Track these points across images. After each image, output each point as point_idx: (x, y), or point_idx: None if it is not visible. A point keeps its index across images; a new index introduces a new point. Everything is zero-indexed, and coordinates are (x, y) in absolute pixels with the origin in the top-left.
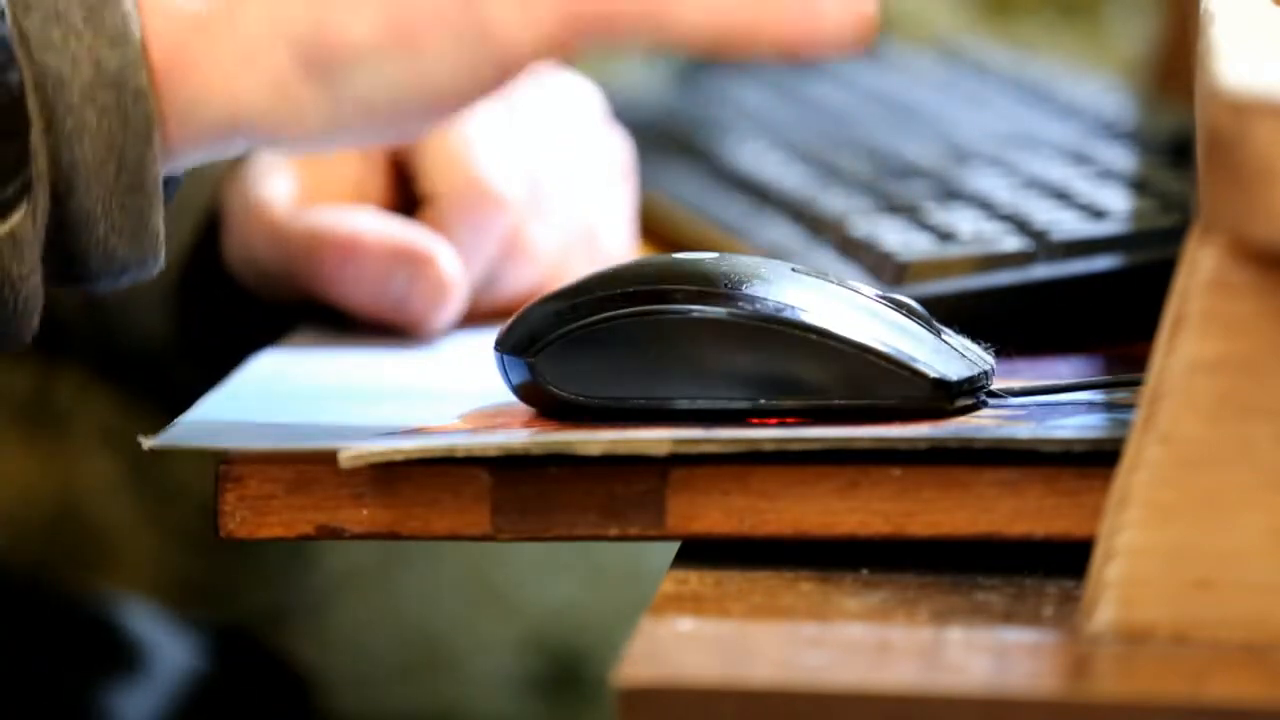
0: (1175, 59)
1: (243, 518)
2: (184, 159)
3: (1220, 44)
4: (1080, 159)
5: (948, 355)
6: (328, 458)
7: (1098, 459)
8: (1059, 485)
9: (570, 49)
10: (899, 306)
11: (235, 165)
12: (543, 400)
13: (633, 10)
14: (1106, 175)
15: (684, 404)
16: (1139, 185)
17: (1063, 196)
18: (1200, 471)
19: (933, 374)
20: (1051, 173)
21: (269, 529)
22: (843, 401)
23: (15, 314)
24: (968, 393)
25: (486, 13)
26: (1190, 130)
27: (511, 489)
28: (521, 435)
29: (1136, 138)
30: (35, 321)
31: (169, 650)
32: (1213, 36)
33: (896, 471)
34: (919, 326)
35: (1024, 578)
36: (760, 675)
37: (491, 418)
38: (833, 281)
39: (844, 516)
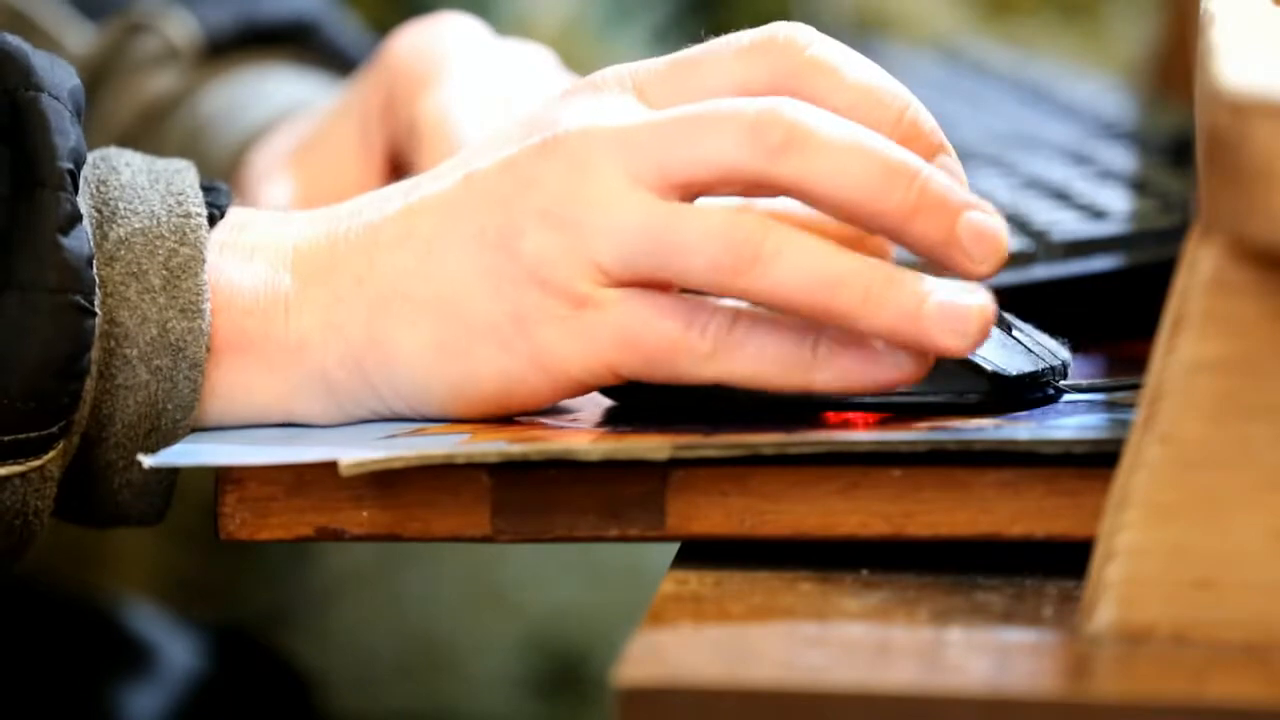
0: (1175, 59)
1: (243, 520)
2: (216, 425)
3: (1220, 44)
4: (1080, 159)
5: (1012, 350)
6: (328, 465)
7: (1098, 459)
8: (1059, 486)
9: (622, 375)
10: None
11: (236, 168)
12: (619, 392)
13: (684, 354)
14: (1106, 175)
15: (745, 400)
16: (1139, 185)
17: (1063, 196)
18: (1200, 471)
19: (989, 368)
20: (1051, 173)
21: (269, 531)
22: (902, 398)
23: (19, 545)
24: (1031, 387)
25: (540, 338)
26: (1190, 130)
27: (511, 490)
28: (522, 440)
29: (1136, 138)
30: (29, 552)
31: (170, 650)
32: (1213, 36)
33: (896, 472)
34: None
35: (1024, 578)
36: (760, 675)
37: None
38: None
39: (844, 517)
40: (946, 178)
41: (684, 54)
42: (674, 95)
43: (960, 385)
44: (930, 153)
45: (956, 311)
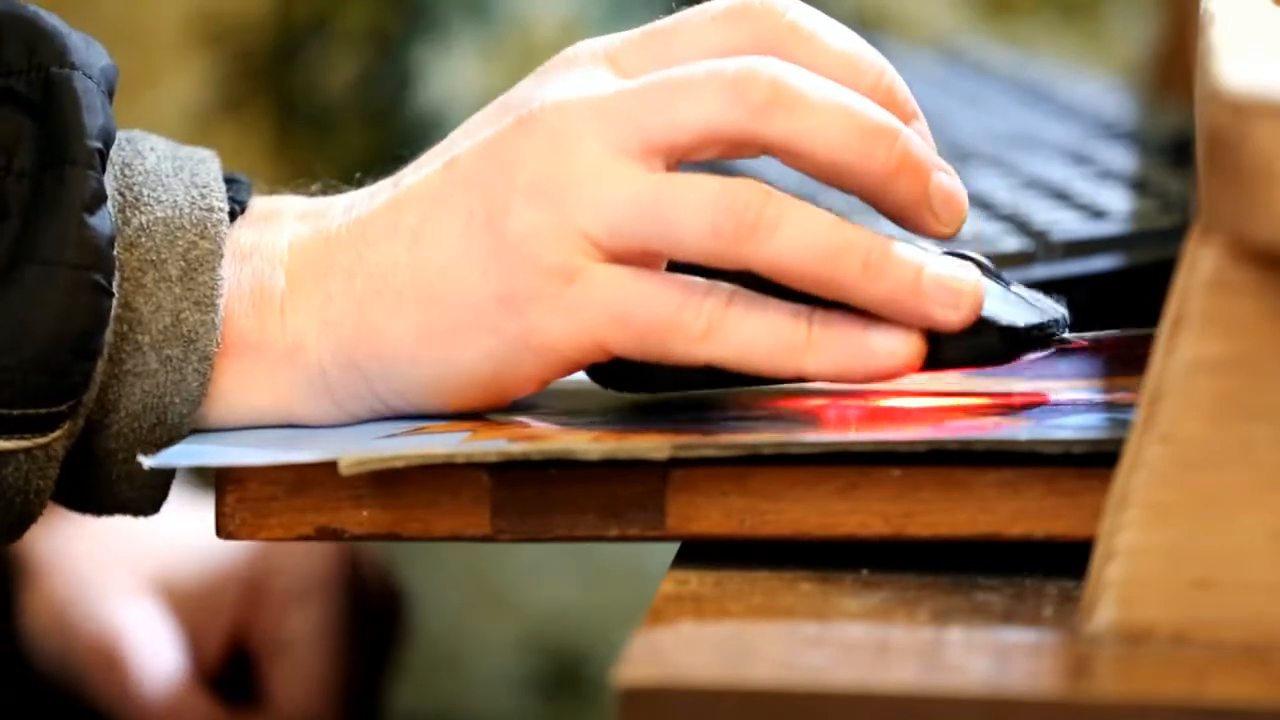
0: (1175, 59)
1: (243, 519)
2: (217, 427)
3: (1220, 44)
4: (1080, 159)
5: (1015, 304)
6: (328, 465)
7: (1098, 459)
8: (1059, 486)
9: (611, 352)
10: (965, 260)
11: None
12: (611, 377)
13: (677, 333)
14: (1106, 175)
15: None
16: (1139, 185)
17: (1063, 196)
18: (1200, 471)
19: (1001, 322)
20: (1051, 173)
21: (269, 531)
22: None
23: (18, 523)
24: (1039, 340)
25: (529, 317)
26: (1190, 130)
27: (511, 490)
28: (522, 439)
29: (1136, 138)
30: (24, 533)
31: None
32: (1213, 36)
33: (896, 472)
34: (986, 278)
35: (1024, 578)
36: (760, 675)
37: (494, 417)
38: (896, 238)
39: (844, 517)
40: (921, 141)
41: (658, 24)
42: (649, 64)
43: (970, 339)
44: (905, 119)
45: (952, 285)
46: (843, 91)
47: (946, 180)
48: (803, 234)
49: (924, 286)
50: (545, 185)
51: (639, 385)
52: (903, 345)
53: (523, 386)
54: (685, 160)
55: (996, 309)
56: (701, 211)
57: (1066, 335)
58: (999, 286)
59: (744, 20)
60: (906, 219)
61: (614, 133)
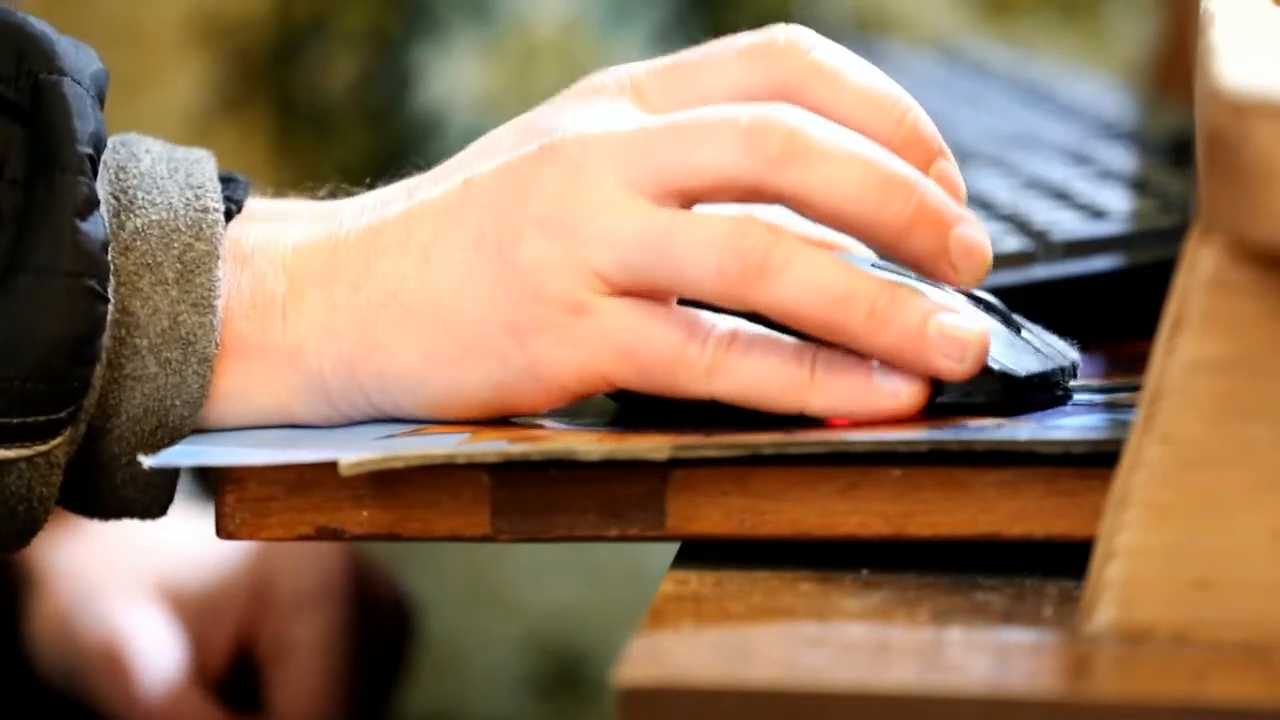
0: (1175, 59)
1: (243, 519)
2: (216, 428)
3: (1220, 44)
4: (1080, 159)
5: (1020, 350)
6: (328, 465)
7: (1098, 459)
8: (1059, 486)
9: (615, 384)
10: (976, 302)
11: None
12: (623, 399)
13: (681, 369)
14: (1106, 175)
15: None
16: (1139, 185)
17: (1063, 196)
18: (1200, 471)
19: (997, 368)
20: (1051, 173)
21: (269, 531)
22: None
23: (23, 531)
24: (1040, 387)
25: (535, 347)
26: (1190, 130)
27: (511, 490)
28: (522, 440)
29: (1136, 138)
30: (31, 540)
31: None
32: (1213, 36)
33: (896, 472)
34: (995, 322)
35: (1024, 578)
36: (760, 675)
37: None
38: (912, 277)
39: (844, 517)
40: (941, 191)
41: (683, 56)
42: (673, 99)
43: (969, 385)
44: (929, 158)
45: (957, 337)
46: (859, 142)
47: (968, 232)
48: (809, 279)
49: (929, 337)
50: (558, 217)
51: (643, 411)
52: (906, 389)
53: (524, 410)
54: (699, 202)
55: (1001, 354)
56: (709, 252)
57: (1073, 384)
58: (1008, 331)
59: (768, 58)
60: (925, 269)
61: (629, 171)
